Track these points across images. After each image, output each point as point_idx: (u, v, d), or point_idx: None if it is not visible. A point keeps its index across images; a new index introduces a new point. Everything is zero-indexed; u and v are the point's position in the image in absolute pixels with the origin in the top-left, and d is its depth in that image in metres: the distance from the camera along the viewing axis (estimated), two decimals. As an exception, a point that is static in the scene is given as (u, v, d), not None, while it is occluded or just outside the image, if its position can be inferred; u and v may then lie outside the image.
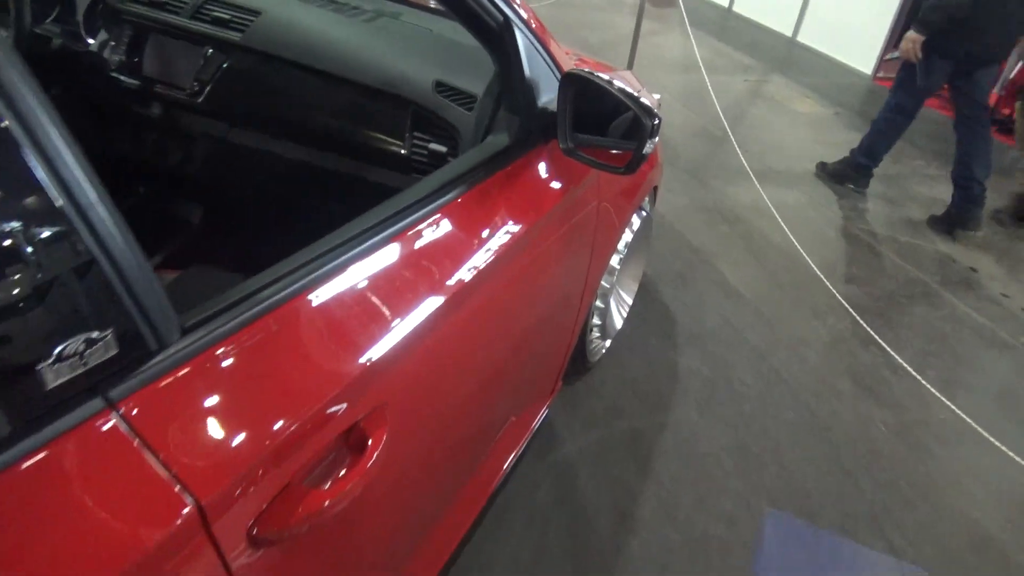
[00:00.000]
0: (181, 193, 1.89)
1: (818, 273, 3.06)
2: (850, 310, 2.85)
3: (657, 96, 2.17)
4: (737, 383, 2.40)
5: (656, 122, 1.19)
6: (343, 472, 0.83)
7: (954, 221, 3.67)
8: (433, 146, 1.51)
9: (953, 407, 2.41)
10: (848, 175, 4.03)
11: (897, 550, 1.90)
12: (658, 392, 2.30)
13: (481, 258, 1.11)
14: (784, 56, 6.90)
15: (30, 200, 0.55)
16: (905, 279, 3.22)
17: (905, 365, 2.56)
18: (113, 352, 0.62)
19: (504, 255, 1.17)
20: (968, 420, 2.35)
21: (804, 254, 3.16)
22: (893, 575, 1.83)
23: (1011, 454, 2.22)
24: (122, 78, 1.66)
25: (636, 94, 1.19)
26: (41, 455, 0.57)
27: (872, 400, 2.42)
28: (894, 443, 2.25)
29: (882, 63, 6.41)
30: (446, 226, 1.09)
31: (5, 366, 0.54)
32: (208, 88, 1.62)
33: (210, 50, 1.62)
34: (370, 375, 0.87)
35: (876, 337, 2.70)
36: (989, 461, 2.22)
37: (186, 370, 0.69)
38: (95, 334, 0.60)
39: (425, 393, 1.03)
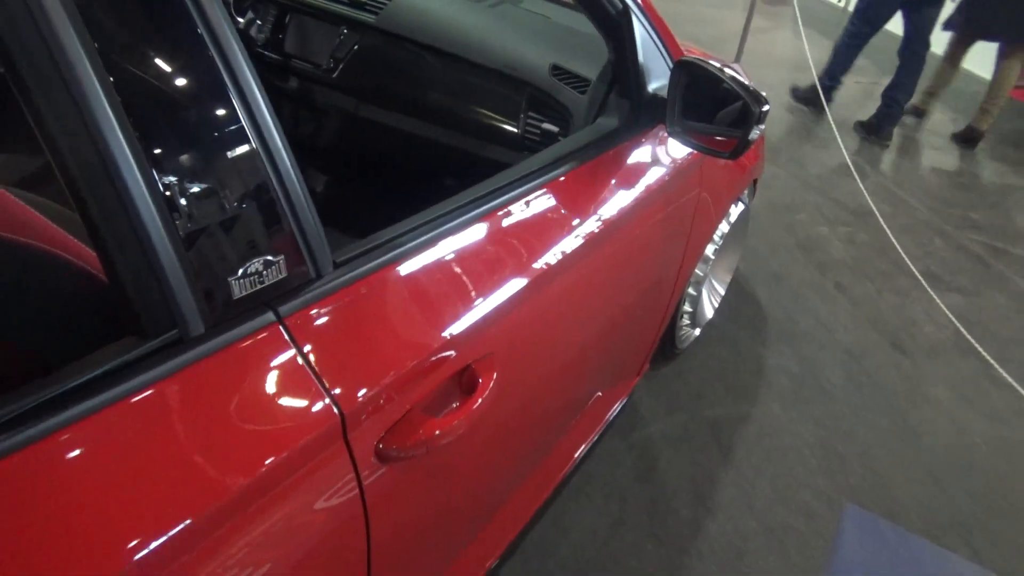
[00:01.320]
0: (308, 162, 2.05)
1: (920, 279, 2.98)
2: (951, 316, 2.77)
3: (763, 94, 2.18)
4: (826, 374, 2.39)
5: (765, 108, 1.23)
6: (455, 407, 0.93)
7: (870, 130, 4.46)
8: (546, 126, 1.59)
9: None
10: (812, 99, 4.59)
11: (983, 559, 1.86)
12: (744, 384, 2.32)
13: (583, 232, 1.19)
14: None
15: (232, 144, 0.67)
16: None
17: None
18: (282, 275, 0.73)
19: (605, 232, 1.24)
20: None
21: (907, 260, 3.08)
22: (977, 585, 1.80)
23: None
24: (266, 54, 1.82)
25: (746, 82, 1.24)
26: (223, 354, 0.69)
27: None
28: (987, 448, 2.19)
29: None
30: (553, 200, 1.17)
31: (207, 277, 0.66)
32: (342, 65, 1.76)
33: (345, 30, 1.77)
34: (482, 324, 0.96)
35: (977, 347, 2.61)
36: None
37: (336, 298, 0.80)
38: (271, 258, 0.71)
39: (528, 350, 1.12)
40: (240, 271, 0.69)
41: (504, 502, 1.38)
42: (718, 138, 1.34)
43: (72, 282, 0.74)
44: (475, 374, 0.96)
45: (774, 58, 5.81)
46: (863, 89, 5.46)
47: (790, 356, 2.48)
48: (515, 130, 1.63)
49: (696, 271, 2.01)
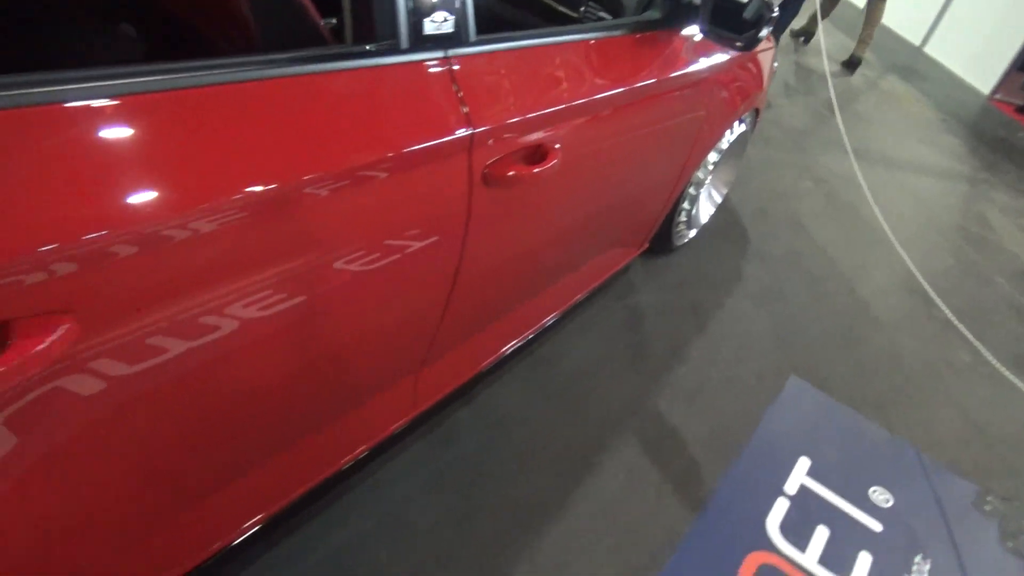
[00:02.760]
0: None
1: (891, 237, 3.42)
2: (924, 283, 3.21)
3: (776, 64, 2.61)
4: (792, 288, 2.84)
5: (774, 13, 1.65)
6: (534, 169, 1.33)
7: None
8: (601, 13, 1.99)
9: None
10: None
11: (893, 428, 2.32)
12: (723, 282, 2.76)
13: (620, 86, 1.59)
14: (906, 62, 7.03)
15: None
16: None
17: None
18: (452, 30, 1.14)
19: (635, 93, 1.65)
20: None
21: (881, 219, 3.51)
22: (883, 444, 2.26)
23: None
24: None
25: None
26: (413, 66, 1.10)
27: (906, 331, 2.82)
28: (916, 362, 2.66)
29: (1001, 85, 6.49)
30: (600, 54, 1.58)
31: (416, 15, 1.07)
32: None
33: None
34: (555, 118, 1.38)
35: (938, 302, 3.07)
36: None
37: (482, 58, 1.21)
38: (448, 13, 1.12)
39: (579, 156, 1.53)
40: (430, 18, 1.10)
41: (540, 292, 1.80)
42: (736, 41, 1.75)
43: None
44: (547, 149, 1.37)
45: (790, 44, 6.20)
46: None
47: (764, 270, 2.92)
48: (575, 15, 2.03)
49: (698, 174, 2.43)
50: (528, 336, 1.93)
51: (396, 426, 1.53)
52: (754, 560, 1.79)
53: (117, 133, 0.76)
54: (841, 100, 4.80)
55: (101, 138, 0.75)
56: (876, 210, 3.32)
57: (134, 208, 0.75)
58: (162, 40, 1.42)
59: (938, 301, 2.82)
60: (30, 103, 0.70)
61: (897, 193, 4.06)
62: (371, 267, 1.11)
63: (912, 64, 7.07)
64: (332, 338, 1.16)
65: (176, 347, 0.85)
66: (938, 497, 2.13)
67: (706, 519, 1.83)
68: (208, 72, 0.84)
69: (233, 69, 0.87)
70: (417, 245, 1.18)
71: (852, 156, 3.65)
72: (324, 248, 1.00)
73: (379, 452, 1.68)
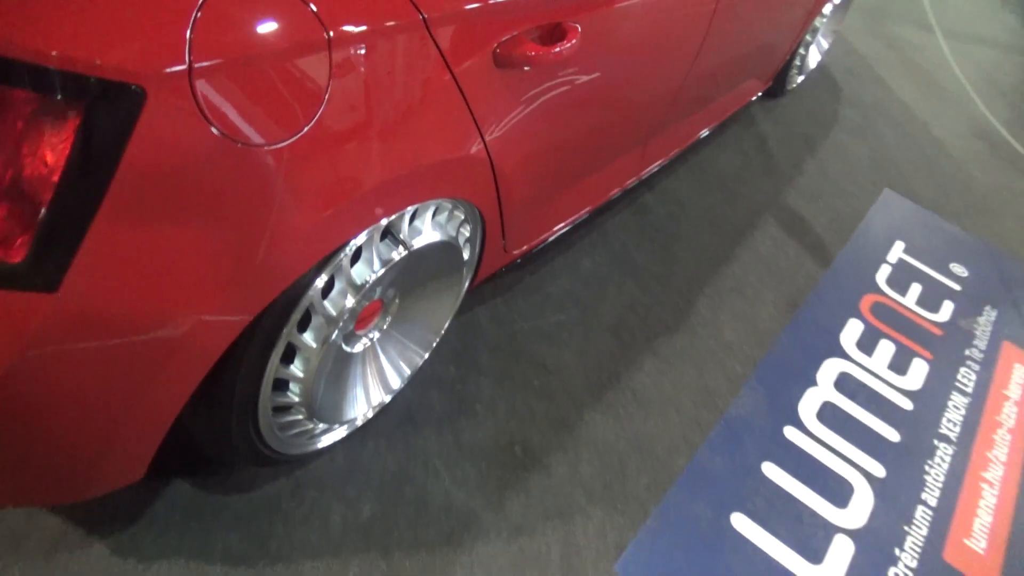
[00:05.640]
0: None
1: (966, 86, 3.92)
2: (997, 126, 3.74)
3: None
4: (881, 128, 3.40)
5: None
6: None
7: None
8: None
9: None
10: None
11: (967, 229, 2.93)
12: (826, 120, 3.33)
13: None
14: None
15: None
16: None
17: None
18: None
19: None
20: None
21: (957, 71, 4.01)
22: (960, 237, 2.87)
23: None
24: None
25: None
26: None
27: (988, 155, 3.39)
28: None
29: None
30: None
31: None
32: None
33: None
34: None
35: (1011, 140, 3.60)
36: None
37: None
38: None
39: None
40: None
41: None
42: None
43: None
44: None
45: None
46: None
47: (857, 113, 3.47)
48: None
49: (817, 21, 2.95)
50: (691, 143, 2.53)
51: (630, 181, 2.16)
52: (868, 300, 2.44)
53: None
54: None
55: None
56: (955, 67, 3.80)
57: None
58: None
59: (1007, 136, 3.35)
60: None
61: (972, 59, 4.52)
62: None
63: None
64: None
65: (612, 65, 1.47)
66: (1003, 274, 2.75)
67: (833, 271, 2.48)
68: None
69: None
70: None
71: (935, 25, 4.10)
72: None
73: (604, 210, 2.32)
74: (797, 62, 3.12)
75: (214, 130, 0.83)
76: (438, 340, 1.63)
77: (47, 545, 1.23)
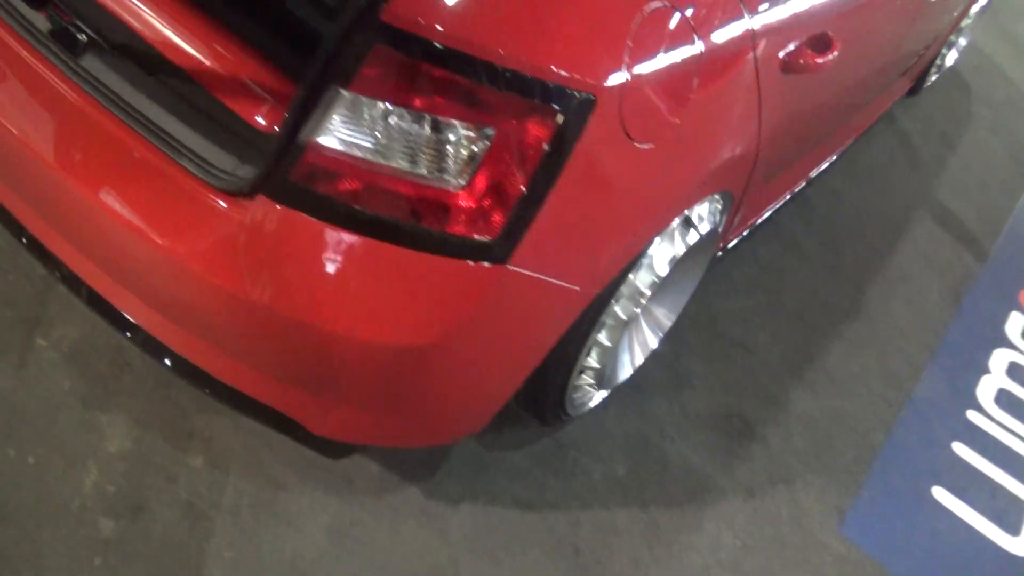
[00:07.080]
0: None
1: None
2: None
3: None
4: (1014, 124, 3.45)
5: None
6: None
7: None
8: None
9: None
10: None
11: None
12: (961, 118, 3.39)
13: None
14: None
15: None
16: None
17: None
18: None
19: None
20: None
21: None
22: None
23: None
24: None
25: None
26: None
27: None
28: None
29: None
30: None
31: None
32: None
33: None
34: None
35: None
36: None
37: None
38: None
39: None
40: None
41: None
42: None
43: None
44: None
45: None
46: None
47: (990, 110, 3.52)
48: None
49: (962, 23, 3.01)
50: (858, 136, 2.63)
51: (814, 171, 2.28)
52: (1026, 292, 2.52)
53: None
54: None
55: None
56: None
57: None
58: None
59: None
60: None
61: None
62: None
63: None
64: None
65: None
66: None
67: (991, 264, 2.57)
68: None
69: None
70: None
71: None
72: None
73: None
74: (938, 61, 3.18)
75: (624, 131, 0.99)
76: (687, 300, 1.74)
77: (373, 486, 1.42)
